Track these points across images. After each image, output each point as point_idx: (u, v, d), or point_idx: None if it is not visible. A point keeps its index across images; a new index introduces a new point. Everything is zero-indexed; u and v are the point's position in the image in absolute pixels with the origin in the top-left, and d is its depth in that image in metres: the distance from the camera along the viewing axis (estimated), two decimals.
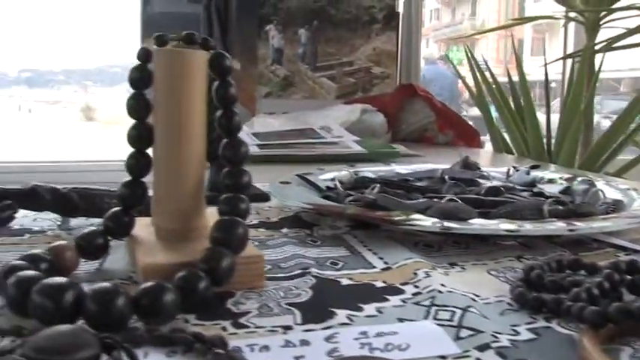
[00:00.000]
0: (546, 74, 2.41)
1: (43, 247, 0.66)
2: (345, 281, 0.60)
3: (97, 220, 0.78)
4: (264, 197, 0.94)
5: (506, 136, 2.47)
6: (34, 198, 0.74)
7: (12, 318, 0.48)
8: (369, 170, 1.11)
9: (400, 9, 2.42)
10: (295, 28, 2.28)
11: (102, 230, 0.62)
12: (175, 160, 0.61)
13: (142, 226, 0.63)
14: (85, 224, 0.79)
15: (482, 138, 2.17)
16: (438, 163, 1.29)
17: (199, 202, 0.62)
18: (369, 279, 0.61)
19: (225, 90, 0.61)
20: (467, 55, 2.52)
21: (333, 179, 1.01)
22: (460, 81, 2.59)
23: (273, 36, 2.26)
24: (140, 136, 0.62)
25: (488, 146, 2.46)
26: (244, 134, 1.59)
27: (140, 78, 0.61)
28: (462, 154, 1.23)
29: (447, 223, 0.71)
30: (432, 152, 1.74)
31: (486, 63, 2.65)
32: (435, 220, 0.73)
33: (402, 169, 1.19)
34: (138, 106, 0.61)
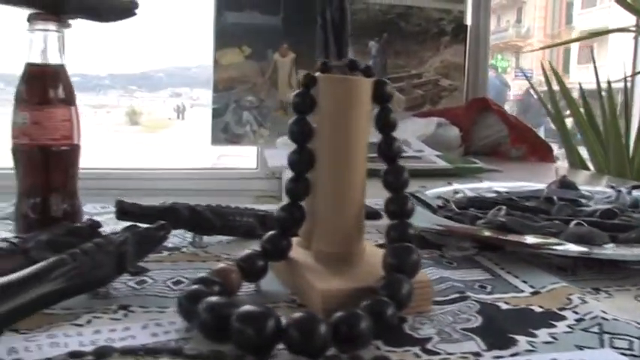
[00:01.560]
0: (625, 85, 2.36)
1: (192, 266, 0.69)
2: (503, 305, 0.61)
3: (226, 238, 0.81)
4: (375, 215, 0.95)
5: (581, 150, 2.42)
6: (173, 215, 0.76)
7: (202, 342, 0.50)
8: (465, 187, 1.12)
9: (468, 22, 2.42)
10: (366, 41, 2.30)
11: (260, 253, 0.63)
12: (340, 185, 0.62)
13: (294, 248, 0.65)
14: (213, 242, 0.81)
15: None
16: (519, 179, 1.30)
17: (360, 227, 0.63)
18: (525, 303, 0.62)
19: (386, 116, 0.63)
20: (542, 66, 2.50)
21: (439, 197, 1.01)
22: (533, 93, 2.55)
23: None
24: (301, 161, 0.63)
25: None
26: None
27: (303, 103, 0.62)
28: (559, 173, 1.23)
29: (595, 250, 0.72)
30: (507, 167, 1.74)
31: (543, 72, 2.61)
32: (572, 245, 0.74)
33: (498, 186, 1.20)
34: (301, 131, 0.63)
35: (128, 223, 0.66)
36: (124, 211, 0.75)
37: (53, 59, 0.77)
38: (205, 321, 0.49)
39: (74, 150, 0.78)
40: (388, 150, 0.62)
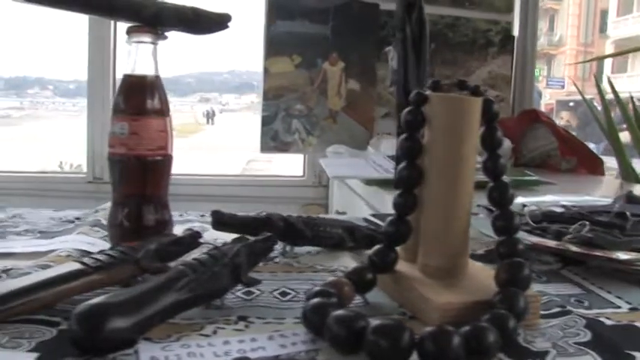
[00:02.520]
0: None
1: (291, 277, 0.70)
2: (606, 321, 0.61)
3: (313, 249, 0.81)
4: None
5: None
6: (268, 226, 0.77)
7: (331, 353, 0.51)
8: (530, 201, 1.12)
9: (515, 33, 2.42)
10: None
11: (368, 266, 0.64)
12: (449, 201, 0.63)
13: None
14: (302, 252, 0.82)
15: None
16: (572, 192, 1.30)
17: (466, 242, 0.64)
18: (626, 319, 0.62)
19: (492, 135, 0.63)
20: (595, 78, 2.50)
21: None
22: (587, 106, 2.54)
23: (392, 57, 2.28)
24: (410, 176, 0.64)
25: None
26: (379, 156, 1.61)
27: (414, 120, 0.63)
28: (625, 188, 1.23)
29: None
30: (559, 179, 1.74)
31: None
32: None
33: (564, 200, 1.20)
34: (411, 147, 0.63)
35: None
36: (220, 221, 0.76)
37: (150, 70, 0.78)
38: (336, 333, 0.50)
39: (168, 160, 0.79)
40: (494, 167, 0.63)
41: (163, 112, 0.79)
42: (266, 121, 2.21)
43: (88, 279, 0.59)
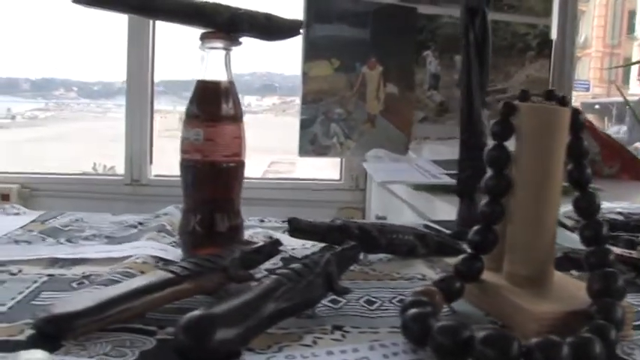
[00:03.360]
0: None
1: (372, 285, 0.69)
2: None
3: (385, 256, 0.81)
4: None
5: None
6: (344, 233, 0.77)
7: None
8: None
9: (554, 36, 2.40)
10: (451, 54, 2.29)
11: (455, 275, 0.64)
12: (538, 211, 0.62)
13: None
14: (374, 259, 0.81)
15: None
16: (620, 198, 1.29)
17: (553, 251, 0.64)
18: None
19: (579, 145, 0.63)
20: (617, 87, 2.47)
21: (567, 217, 1.01)
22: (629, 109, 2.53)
23: (430, 62, 2.28)
24: (498, 186, 0.63)
25: None
26: (424, 161, 1.61)
27: (503, 130, 0.63)
28: None
29: None
30: (602, 185, 1.72)
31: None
32: None
33: (619, 207, 1.19)
34: (499, 157, 0.63)
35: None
36: (297, 228, 0.76)
37: (224, 76, 0.78)
38: (442, 343, 0.50)
39: (241, 166, 0.79)
40: (580, 177, 0.63)
41: (237, 117, 0.78)
42: (305, 125, 2.21)
43: (177, 288, 0.59)
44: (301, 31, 0.83)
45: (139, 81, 2.37)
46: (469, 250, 0.64)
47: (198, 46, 0.79)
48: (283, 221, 1.02)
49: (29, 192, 2.41)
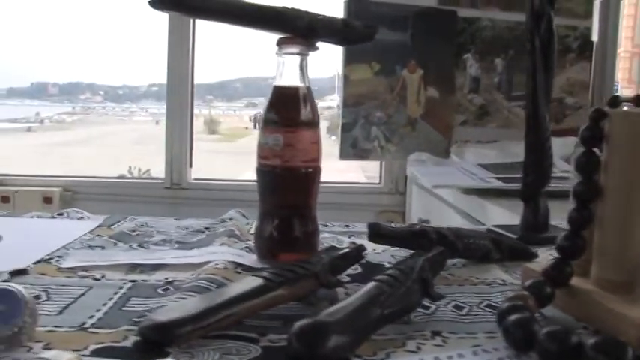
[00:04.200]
0: None
1: (455, 289, 0.69)
2: None
3: (460, 260, 0.81)
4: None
5: None
6: (423, 238, 0.77)
7: None
8: None
9: (594, 38, 2.39)
10: (492, 57, 2.29)
11: (545, 280, 0.63)
12: (629, 216, 0.62)
13: None
14: (448, 264, 0.81)
15: None
16: None
17: None
18: None
19: None
20: None
21: None
22: None
23: (471, 65, 2.27)
24: (587, 191, 0.63)
25: None
26: (470, 165, 1.60)
27: (592, 137, 0.63)
28: None
29: None
30: None
31: None
32: None
33: None
34: (588, 163, 0.63)
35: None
36: (378, 233, 0.76)
37: (301, 81, 0.78)
38: (549, 349, 0.50)
39: (318, 172, 0.79)
40: None
41: (315, 123, 0.79)
42: (346, 129, 2.21)
43: (273, 294, 0.59)
44: (374, 37, 0.83)
45: (179, 84, 2.38)
46: (557, 255, 0.64)
47: (275, 51, 0.79)
48: (346, 225, 1.03)
49: (71, 195, 2.44)
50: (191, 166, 2.45)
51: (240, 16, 0.77)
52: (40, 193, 2.40)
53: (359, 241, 0.81)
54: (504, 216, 1.31)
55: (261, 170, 0.79)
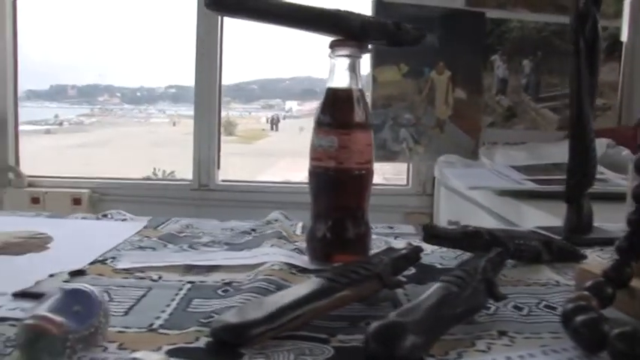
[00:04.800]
0: None
1: (510, 290, 0.69)
2: None
3: (509, 262, 0.80)
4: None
5: None
6: (476, 239, 0.77)
7: None
8: None
9: (624, 38, 2.38)
10: (520, 59, 2.28)
11: (605, 281, 0.63)
12: None
13: None
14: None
15: None
16: None
17: None
18: None
19: None
20: None
21: None
22: None
23: (498, 66, 2.27)
24: None
25: None
26: (503, 167, 1.60)
27: None
28: None
29: None
30: None
31: None
32: None
33: None
34: None
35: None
36: (433, 234, 0.76)
37: (353, 83, 0.79)
38: (622, 350, 0.50)
39: (371, 174, 0.80)
40: None
41: (369, 125, 0.79)
42: (374, 130, 2.20)
43: (339, 295, 0.60)
44: (422, 41, 0.84)
45: (208, 87, 2.39)
46: (617, 256, 0.64)
47: (328, 53, 0.79)
48: (390, 227, 1.03)
49: (99, 196, 2.45)
50: (219, 167, 2.46)
51: (294, 18, 0.78)
52: (69, 194, 2.42)
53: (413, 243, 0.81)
54: (541, 218, 1.31)
55: (314, 172, 0.79)
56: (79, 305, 0.52)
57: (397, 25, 0.80)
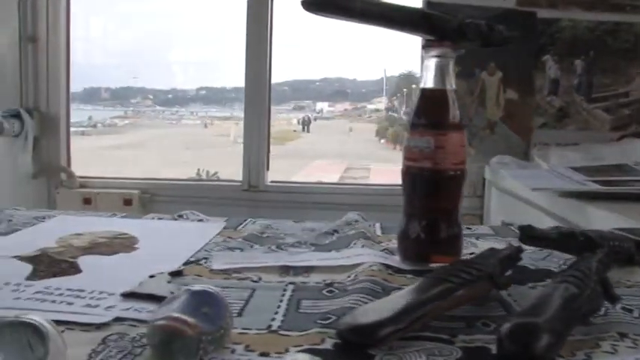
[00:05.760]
0: None
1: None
2: None
3: None
4: None
5: None
6: (571, 240, 0.76)
7: None
8: None
9: None
10: (572, 59, 2.27)
11: None
12: None
13: None
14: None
15: None
16: None
17: None
18: None
19: None
20: None
21: None
22: None
23: (550, 66, 2.26)
24: None
25: None
26: (561, 168, 1.59)
27: None
28: None
29: None
30: None
31: None
32: None
33: None
34: None
35: None
36: (530, 235, 0.76)
37: (448, 84, 0.79)
38: None
39: (465, 174, 0.80)
40: None
41: (462, 126, 0.79)
42: None
43: (456, 295, 0.60)
44: (511, 44, 0.84)
45: (258, 88, 2.40)
46: None
47: (422, 54, 0.79)
48: (468, 227, 1.03)
49: (149, 197, 2.46)
50: (268, 168, 2.46)
51: (391, 19, 0.78)
52: (120, 195, 2.44)
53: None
54: (609, 219, 1.29)
55: (409, 172, 0.79)
56: (207, 306, 0.53)
57: (490, 26, 0.80)
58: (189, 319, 0.49)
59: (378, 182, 2.93)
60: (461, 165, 0.78)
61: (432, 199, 0.79)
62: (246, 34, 2.38)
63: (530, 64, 2.25)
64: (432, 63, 0.79)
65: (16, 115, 2.39)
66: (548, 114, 2.26)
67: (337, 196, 2.40)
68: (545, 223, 1.56)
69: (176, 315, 0.50)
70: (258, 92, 2.39)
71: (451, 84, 0.79)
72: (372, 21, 0.78)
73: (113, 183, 2.52)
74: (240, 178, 2.48)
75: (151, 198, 2.46)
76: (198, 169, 3.36)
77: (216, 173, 3.25)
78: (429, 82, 0.79)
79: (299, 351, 0.52)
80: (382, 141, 6.52)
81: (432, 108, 0.78)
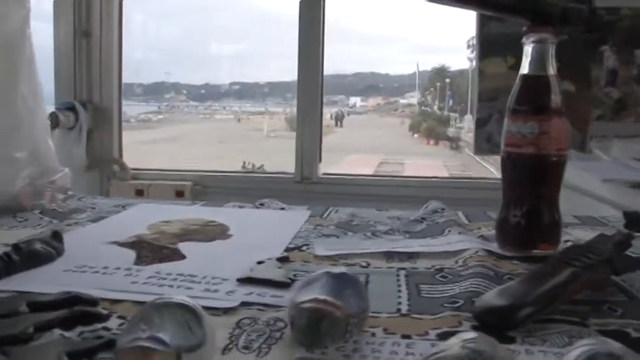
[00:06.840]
0: None
1: None
2: None
3: None
4: None
5: None
6: None
7: None
8: None
9: None
10: (631, 49, 2.23)
11: None
12: None
13: None
14: None
15: None
16: None
17: None
18: None
19: None
20: None
21: None
22: None
23: (608, 57, 2.23)
24: None
25: None
26: (627, 159, 1.57)
27: None
28: None
29: None
30: None
31: None
32: None
33: None
34: None
35: None
36: (638, 220, 0.75)
37: (550, 69, 0.78)
38: None
39: (565, 160, 0.79)
40: None
41: (563, 112, 0.78)
42: (480, 124, 2.19)
43: (583, 279, 0.59)
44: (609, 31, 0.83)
45: (310, 80, 2.40)
46: None
47: (522, 40, 0.79)
48: None
49: (201, 189, 2.48)
50: (320, 160, 2.47)
51: (496, 3, 0.77)
52: (172, 186, 2.45)
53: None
54: None
55: (510, 158, 0.79)
56: (349, 289, 0.53)
57: (593, 12, 0.80)
58: (337, 302, 0.50)
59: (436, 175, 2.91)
60: (564, 151, 0.78)
61: (534, 186, 0.78)
62: (299, 29, 2.39)
63: (588, 56, 2.23)
64: (532, 48, 0.78)
65: (71, 108, 2.41)
66: (606, 105, 2.23)
67: (389, 188, 2.40)
68: (605, 213, 1.55)
69: (323, 297, 0.50)
70: (311, 85, 2.40)
71: (553, 69, 0.78)
72: (478, 6, 0.78)
73: (165, 175, 2.54)
74: (282, 170, 2.49)
75: (203, 189, 2.48)
76: (244, 162, 3.38)
77: (262, 166, 3.27)
78: (529, 67, 0.78)
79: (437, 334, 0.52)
80: (415, 136, 6.50)
81: (535, 93, 0.78)
